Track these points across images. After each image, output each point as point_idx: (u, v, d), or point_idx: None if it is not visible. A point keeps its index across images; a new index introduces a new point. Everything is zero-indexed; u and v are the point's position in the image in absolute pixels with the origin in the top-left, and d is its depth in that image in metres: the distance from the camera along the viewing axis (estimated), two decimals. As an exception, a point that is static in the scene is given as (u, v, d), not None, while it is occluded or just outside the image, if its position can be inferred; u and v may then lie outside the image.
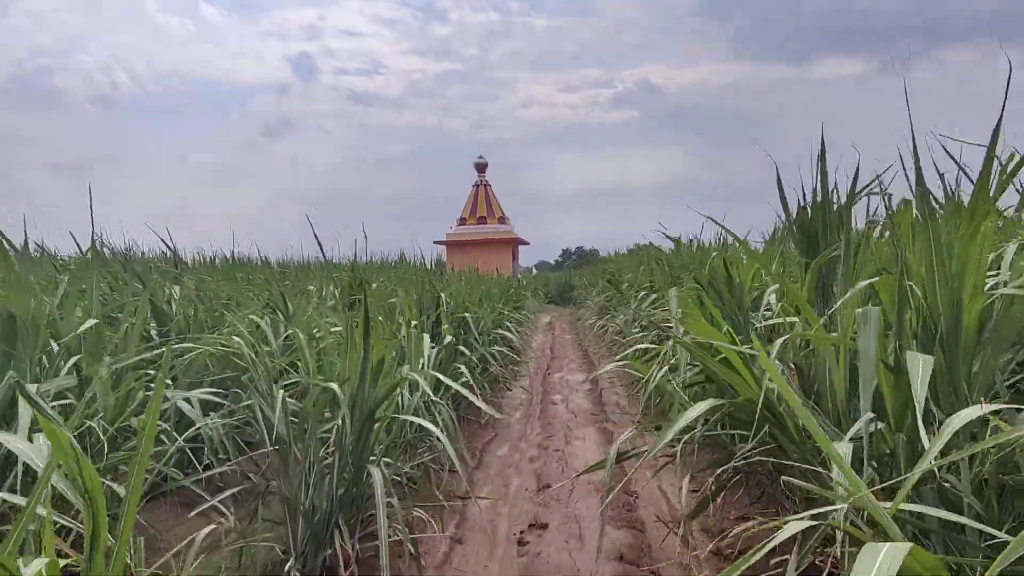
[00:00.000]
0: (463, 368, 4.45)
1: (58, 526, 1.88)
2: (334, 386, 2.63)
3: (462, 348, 4.53)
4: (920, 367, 1.66)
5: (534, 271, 27.72)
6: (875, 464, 2.00)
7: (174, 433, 2.89)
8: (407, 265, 7.70)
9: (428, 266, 9.82)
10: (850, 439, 1.77)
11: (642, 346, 4.69)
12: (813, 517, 1.39)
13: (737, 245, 6.05)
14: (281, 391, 2.63)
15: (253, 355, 3.03)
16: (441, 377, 3.63)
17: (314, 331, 3.66)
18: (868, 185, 2.85)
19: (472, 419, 5.38)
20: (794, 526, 1.32)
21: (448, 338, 4.56)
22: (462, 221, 25.95)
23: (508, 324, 6.72)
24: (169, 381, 3.22)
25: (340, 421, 2.63)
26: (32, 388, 2.35)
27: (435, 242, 24.92)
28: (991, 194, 1.99)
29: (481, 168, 26.20)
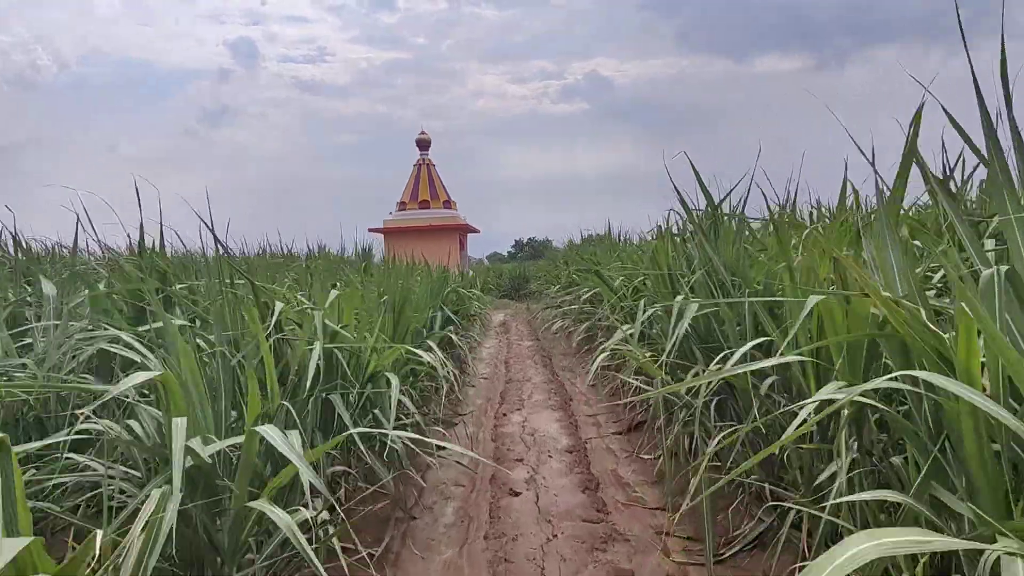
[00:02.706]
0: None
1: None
2: None
3: (291, 429, 1.83)
4: None
5: (485, 262, 24.97)
6: None
7: None
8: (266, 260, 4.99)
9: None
10: None
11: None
12: None
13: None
14: None
15: None
16: None
17: None
18: None
19: (350, 547, 2.70)
20: None
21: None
22: (402, 205, 22.74)
23: (434, 348, 4.05)
24: None
25: None
26: None
27: (370, 230, 21.69)
28: None
29: (423, 144, 22.97)
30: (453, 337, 5.36)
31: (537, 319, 13.01)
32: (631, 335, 3.89)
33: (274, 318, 2.64)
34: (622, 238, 9.25)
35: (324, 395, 2.73)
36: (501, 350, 9.70)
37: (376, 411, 3.10)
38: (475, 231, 24.54)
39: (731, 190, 4.13)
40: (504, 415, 5.38)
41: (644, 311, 3.95)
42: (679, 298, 3.15)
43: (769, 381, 2.73)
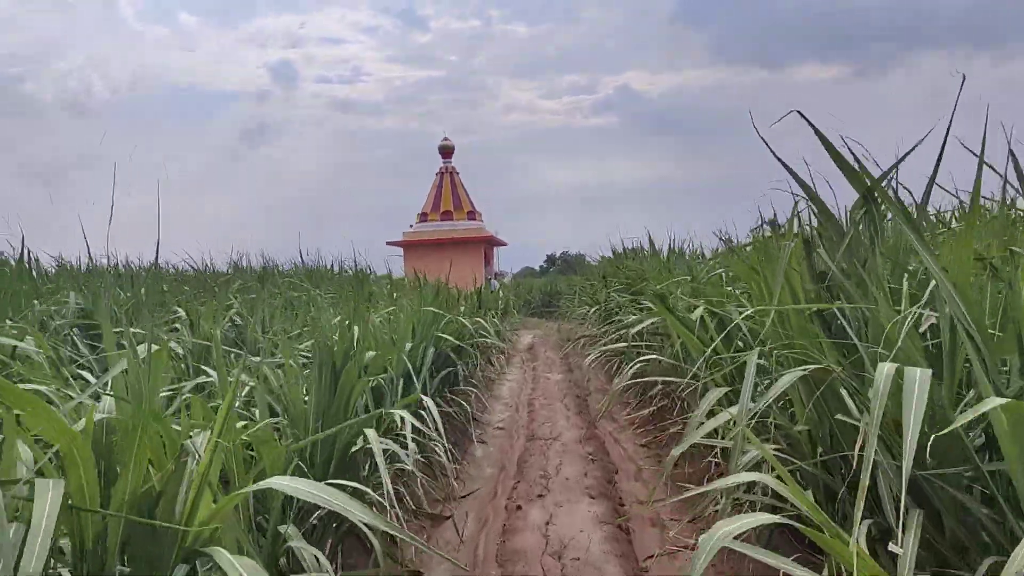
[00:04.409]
0: None
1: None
2: None
3: None
4: None
5: (510, 277, 23.21)
6: None
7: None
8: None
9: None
10: None
11: None
12: None
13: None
14: None
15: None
16: None
17: None
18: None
19: None
20: None
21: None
22: (423, 217, 21.10)
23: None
24: None
25: None
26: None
27: (388, 243, 20.13)
28: None
29: (446, 152, 21.32)
30: (440, 408, 3.68)
31: (568, 343, 11.26)
32: (737, 414, 2.14)
33: None
34: (675, 250, 7.52)
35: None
36: (525, 385, 7.98)
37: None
38: (502, 244, 22.87)
39: (894, 166, 2.43)
40: (518, 508, 3.64)
41: (759, 373, 2.22)
42: (887, 367, 1.40)
43: None
